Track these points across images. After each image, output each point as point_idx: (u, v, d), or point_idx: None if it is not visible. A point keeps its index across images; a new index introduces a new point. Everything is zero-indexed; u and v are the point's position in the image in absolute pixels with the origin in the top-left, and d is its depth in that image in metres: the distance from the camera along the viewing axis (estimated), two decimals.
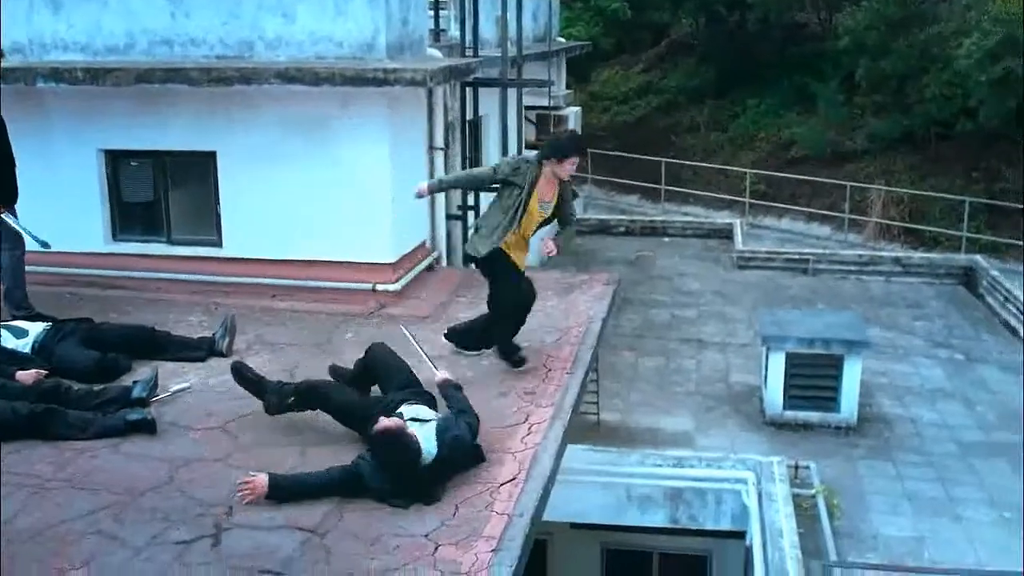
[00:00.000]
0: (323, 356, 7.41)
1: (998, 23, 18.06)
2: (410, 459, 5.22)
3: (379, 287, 8.68)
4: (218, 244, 8.82)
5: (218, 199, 8.69)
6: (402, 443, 5.21)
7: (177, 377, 6.91)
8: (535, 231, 6.79)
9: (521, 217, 6.54)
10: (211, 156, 8.65)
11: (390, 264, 8.75)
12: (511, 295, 6.75)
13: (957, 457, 9.11)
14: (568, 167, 6.56)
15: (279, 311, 8.16)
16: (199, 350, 7.31)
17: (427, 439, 5.33)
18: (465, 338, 7.20)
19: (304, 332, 7.95)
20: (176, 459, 5.73)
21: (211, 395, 6.63)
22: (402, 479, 5.22)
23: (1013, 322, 13.44)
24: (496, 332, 6.94)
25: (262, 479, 5.27)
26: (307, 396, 5.98)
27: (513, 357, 6.89)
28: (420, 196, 7.10)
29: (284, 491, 5.28)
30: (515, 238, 6.64)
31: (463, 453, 5.47)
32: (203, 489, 5.38)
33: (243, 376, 6.23)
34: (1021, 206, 18.95)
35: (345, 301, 8.54)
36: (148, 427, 6.05)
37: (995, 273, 15.03)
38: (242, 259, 8.64)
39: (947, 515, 8.00)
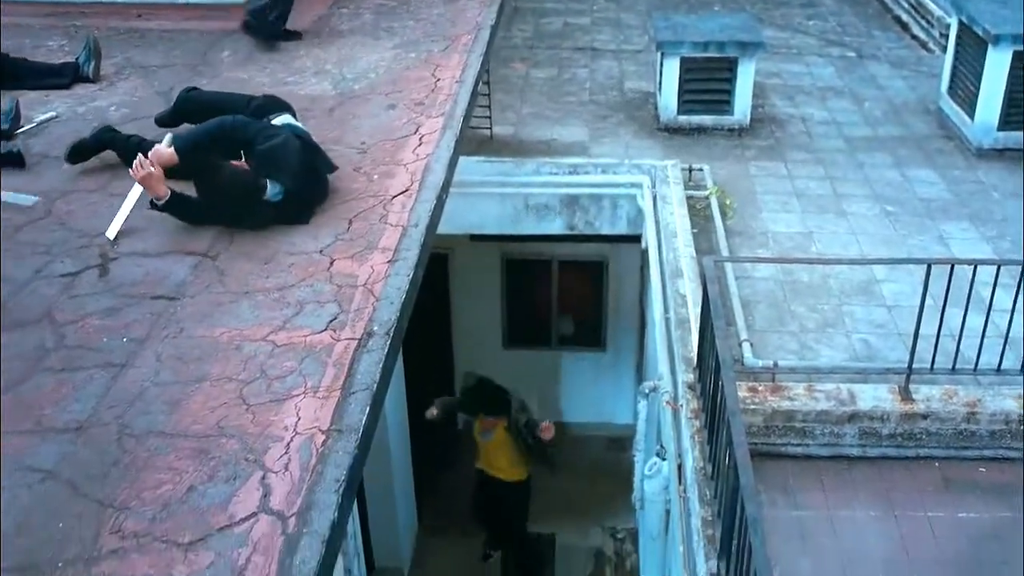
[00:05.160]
0: (199, 78, 7.01)
1: None
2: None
3: None
4: None
5: None
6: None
7: (41, 106, 6.49)
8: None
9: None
10: None
11: None
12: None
13: (845, 153, 9.26)
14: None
15: (147, 31, 7.62)
16: (63, 76, 6.82)
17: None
18: None
19: (176, 53, 7.48)
20: (51, 191, 5.46)
21: (81, 123, 6.26)
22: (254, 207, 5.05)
23: (904, 17, 13.42)
24: None
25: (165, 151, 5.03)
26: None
27: None
28: None
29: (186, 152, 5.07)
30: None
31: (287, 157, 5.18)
32: (84, 220, 5.16)
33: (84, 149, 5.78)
34: None
35: (218, 18, 8.01)
36: (16, 160, 5.71)
37: None
38: None
39: (833, 211, 8.21)
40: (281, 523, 3.24)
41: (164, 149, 5.14)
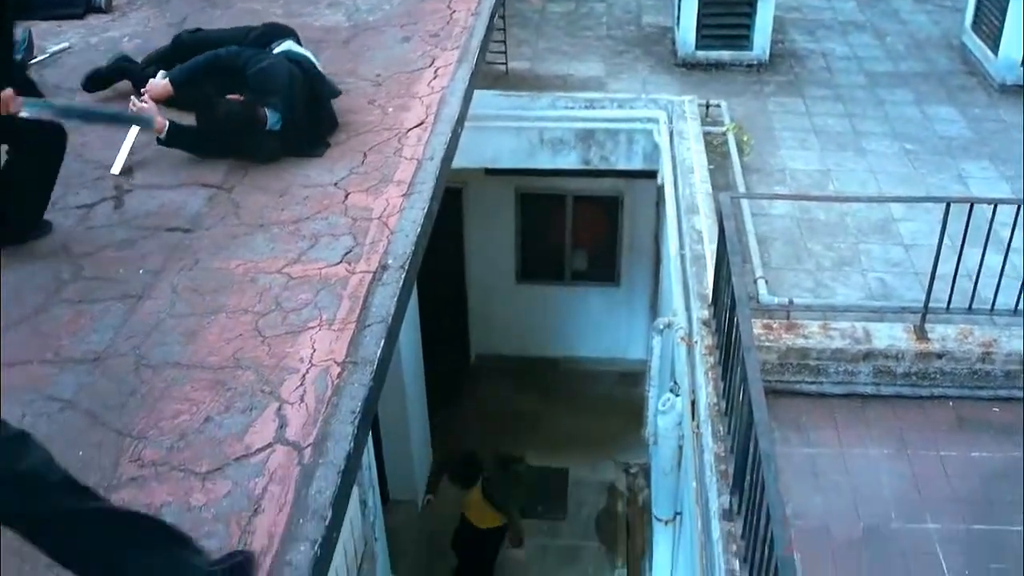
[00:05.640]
0: (213, 9, 6.96)
1: None
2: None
3: None
4: None
5: None
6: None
7: (54, 37, 6.45)
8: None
9: None
10: None
11: None
12: None
13: (865, 89, 9.14)
14: None
15: None
16: (75, 7, 6.76)
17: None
18: None
19: None
20: (65, 122, 5.43)
21: (95, 55, 6.22)
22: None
23: None
24: None
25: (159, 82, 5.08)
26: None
27: None
28: None
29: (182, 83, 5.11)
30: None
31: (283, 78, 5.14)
32: (99, 152, 5.15)
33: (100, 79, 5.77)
34: None
35: None
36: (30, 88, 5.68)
37: None
38: None
39: (852, 148, 8.13)
40: (297, 453, 3.27)
41: (159, 81, 5.19)
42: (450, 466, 8.84)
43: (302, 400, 3.49)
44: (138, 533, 2.66)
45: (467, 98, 5.66)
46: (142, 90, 5.16)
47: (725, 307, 5.08)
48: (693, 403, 5.64)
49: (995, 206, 5.57)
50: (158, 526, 2.76)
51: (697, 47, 9.50)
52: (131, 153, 5.04)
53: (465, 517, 8.81)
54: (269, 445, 3.31)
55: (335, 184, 4.82)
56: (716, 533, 4.55)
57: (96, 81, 5.68)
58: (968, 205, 5.51)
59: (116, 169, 4.95)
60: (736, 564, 4.26)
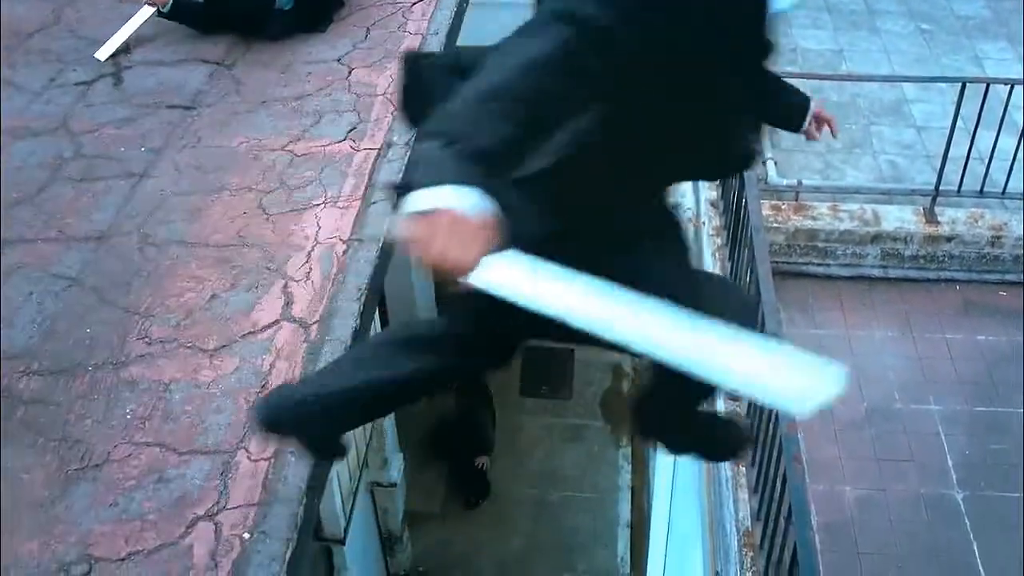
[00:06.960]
0: None
1: None
2: None
3: None
4: None
5: None
6: None
7: None
8: None
9: None
10: None
11: None
12: None
13: None
14: None
15: None
16: None
17: None
18: None
19: None
20: None
21: None
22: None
23: None
24: None
25: None
26: None
27: None
28: None
29: None
30: None
31: None
32: (95, 28, 5.02)
33: None
34: None
35: None
36: None
37: None
38: None
39: (866, 27, 7.96)
40: (303, 330, 3.27)
41: None
42: None
43: (308, 277, 3.48)
44: None
45: None
46: None
47: (733, 188, 5.02)
48: None
49: (1011, 88, 5.47)
50: None
51: None
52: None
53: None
54: (276, 322, 3.31)
55: (338, 60, 4.72)
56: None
57: None
58: (983, 86, 5.40)
59: (103, 55, 4.80)
60: None
